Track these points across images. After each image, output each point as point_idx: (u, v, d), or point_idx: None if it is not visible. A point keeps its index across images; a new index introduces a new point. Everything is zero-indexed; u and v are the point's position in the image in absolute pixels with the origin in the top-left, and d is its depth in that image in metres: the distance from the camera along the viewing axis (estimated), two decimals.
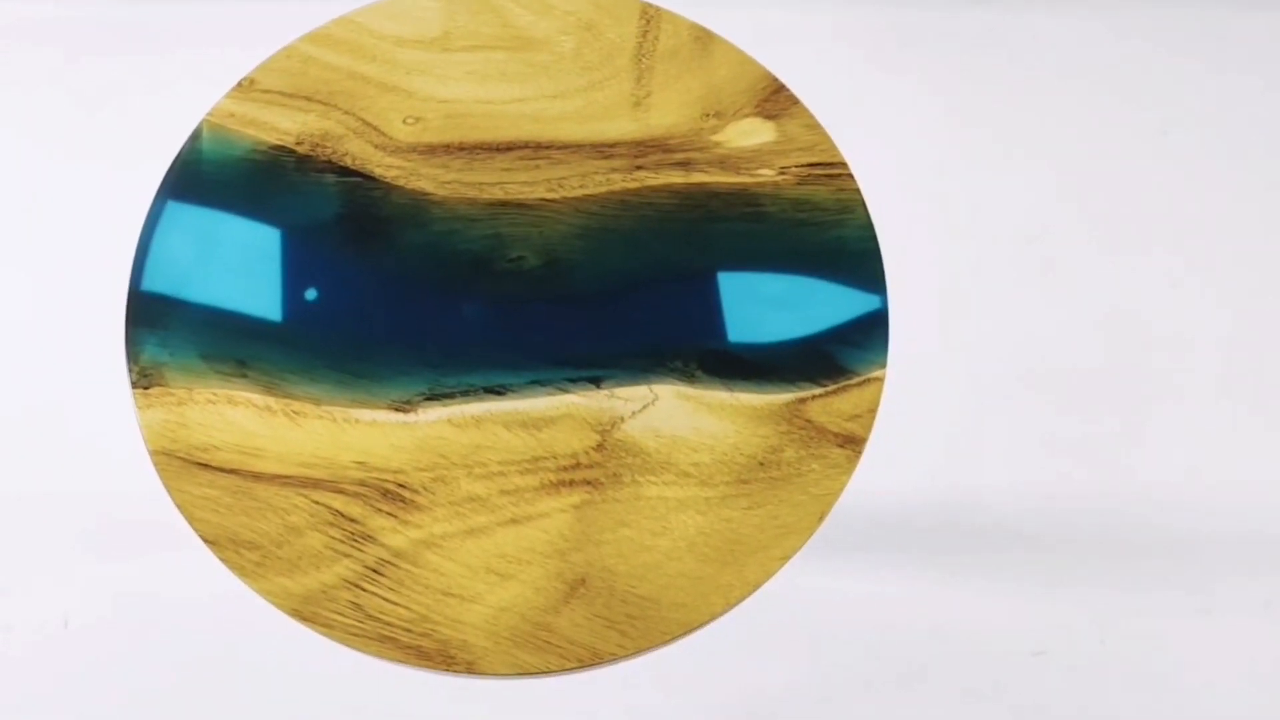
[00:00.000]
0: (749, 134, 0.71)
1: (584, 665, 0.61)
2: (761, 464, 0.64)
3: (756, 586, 0.62)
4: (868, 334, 0.67)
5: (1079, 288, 1.19)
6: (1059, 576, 1.08)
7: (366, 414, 0.65)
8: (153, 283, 0.67)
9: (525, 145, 0.71)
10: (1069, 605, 1.07)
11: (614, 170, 0.70)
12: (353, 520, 0.63)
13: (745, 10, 1.05)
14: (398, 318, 0.67)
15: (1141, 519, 1.10)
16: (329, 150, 0.70)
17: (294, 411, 0.65)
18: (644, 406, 0.65)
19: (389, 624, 0.61)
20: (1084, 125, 1.24)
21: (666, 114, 0.72)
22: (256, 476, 0.63)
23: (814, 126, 0.72)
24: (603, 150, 0.71)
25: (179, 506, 0.62)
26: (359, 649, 0.60)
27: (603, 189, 0.70)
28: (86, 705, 1.02)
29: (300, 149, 0.70)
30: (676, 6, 0.75)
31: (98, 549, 1.06)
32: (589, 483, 0.64)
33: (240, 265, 0.68)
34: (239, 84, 0.72)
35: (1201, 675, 1.05)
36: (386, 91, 0.72)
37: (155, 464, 0.63)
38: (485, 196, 0.70)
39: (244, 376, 0.65)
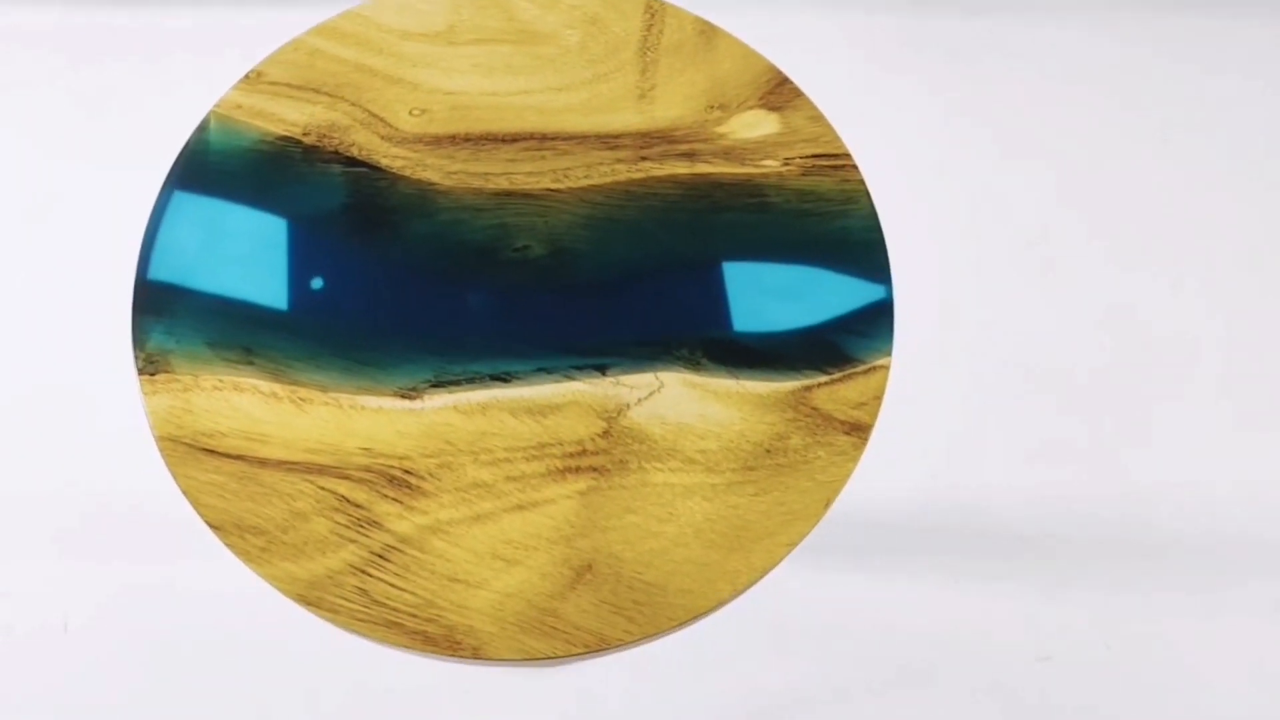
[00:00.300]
0: (753, 126, 0.71)
1: (590, 651, 0.60)
2: (768, 451, 0.64)
3: (763, 573, 0.62)
4: (873, 323, 0.67)
5: (1080, 282, 1.19)
6: (1063, 576, 1.08)
7: (373, 401, 0.65)
8: (159, 271, 0.67)
9: (530, 136, 0.71)
10: (1072, 607, 1.06)
11: (619, 161, 0.70)
12: (359, 506, 0.62)
13: (747, 10, 1.06)
14: (404, 306, 0.67)
15: (1143, 519, 1.10)
16: (335, 141, 0.70)
17: (300, 398, 0.64)
18: (650, 394, 0.65)
19: (395, 609, 0.60)
20: (1087, 126, 1.25)
21: (671, 106, 0.72)
22: (262, 462, 0.63)
23: (818, 118, 0.72)
24: (608, 141, 0.71)
25: (185, 492, 0.62)
26: (365, 634, 0.60)
27: (608, 179, 0.70)
28: (93, 689, 1.01)
29: (307, 140, 0.70)
30: (678, 3, 0.76)
31: (103, 534, 1.06)
32: (595, 469, 0.64)
33: (247, 254, 0.68)
34: (247, 76, 0.72)
35: (1207, 678, 1.04)
36: (392, 83, 0.72)
37: (161, 450, 0.63)
38: (491, 187, 0.70)
39: (250, 364, 0.65)
